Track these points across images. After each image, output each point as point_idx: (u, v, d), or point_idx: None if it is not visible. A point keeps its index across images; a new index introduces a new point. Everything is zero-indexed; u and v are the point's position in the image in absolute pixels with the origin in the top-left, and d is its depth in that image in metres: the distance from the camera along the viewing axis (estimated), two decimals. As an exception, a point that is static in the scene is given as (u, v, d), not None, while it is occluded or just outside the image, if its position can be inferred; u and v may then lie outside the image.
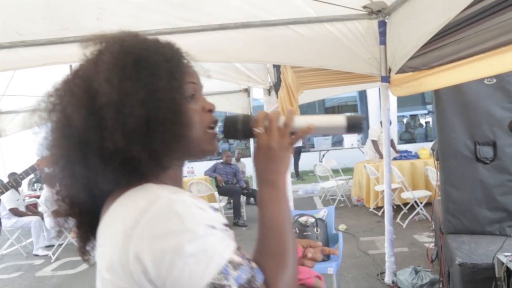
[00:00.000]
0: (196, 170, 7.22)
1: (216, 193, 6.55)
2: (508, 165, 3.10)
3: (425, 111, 14.72)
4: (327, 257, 2.86)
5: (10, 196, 5.64)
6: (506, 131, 2.88)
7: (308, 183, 9.79)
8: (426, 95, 13.59)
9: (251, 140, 0.77)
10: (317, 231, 3.00)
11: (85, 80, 0.69)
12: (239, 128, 0.79)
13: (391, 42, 3.13)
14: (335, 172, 7.80)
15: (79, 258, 0.81)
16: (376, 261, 4.12)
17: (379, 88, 3.59)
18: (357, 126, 0.79)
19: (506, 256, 2.23)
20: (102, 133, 0.66)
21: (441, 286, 3.17)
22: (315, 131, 0.78)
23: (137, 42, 0.73)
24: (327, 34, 3.16)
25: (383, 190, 4.25)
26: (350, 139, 10.10)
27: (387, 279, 3.53)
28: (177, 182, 0.77)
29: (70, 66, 0.75)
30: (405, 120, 14.78)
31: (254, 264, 0.68)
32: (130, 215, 0.65)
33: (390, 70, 3.25)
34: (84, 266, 4.78)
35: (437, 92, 3.24)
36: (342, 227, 5.55)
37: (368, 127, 8.02)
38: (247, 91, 6.34)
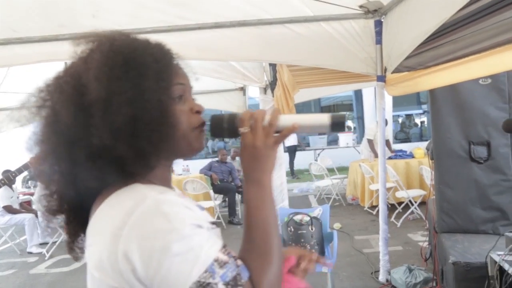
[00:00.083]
0: (191, 168, 7.20)
1: (211, 191, 6.55)
2: (502, 165, 3.13)
3: (420, 111, 14.80)
4: (322, 255, 2.87)
5: (4, 193, 5.63)
6: (500, 131, 2.89)
7: (303, 182, 9.81)
8: (422, 95, 13.65)
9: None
10: (312, 229, 3.01)
11: (75, 78, 0.70)
12: (224, 127, 0.79)
13: (387, 41, 3.13)
14: (330, 171, 7.81)
15: (73, 255, 0.81)
16: (371, 260, 4.14)
17: (375, 88, 3.59)
18: (340, 124, 0.80)
19: (499, 255, 2.24)
20: (90, 130, 0.67)
21: (434, 284, 3.19)
22: (300, 129, 0.78)
23: (127, 42, 0.74)
24: (323, 33, 3.16)
25: (378, 189, 4.26)
26: (346, 138, 10.09)
27: (381, 277, 3.55)
28: (165, 181, 0.78)
29: (65, 63, 0.75)
30: (400, 120, 14.84)
31: (239, 262, 0.69)
32: (118, 215, 0.66)
33: (386, 69, 3.25)
34: (78, 264, 4.73)
35: (432, 92, 3.25)
36: (337, 225, 5.57)
37: (363, 126, 8.04)
38: (243, 89, 6.32)
